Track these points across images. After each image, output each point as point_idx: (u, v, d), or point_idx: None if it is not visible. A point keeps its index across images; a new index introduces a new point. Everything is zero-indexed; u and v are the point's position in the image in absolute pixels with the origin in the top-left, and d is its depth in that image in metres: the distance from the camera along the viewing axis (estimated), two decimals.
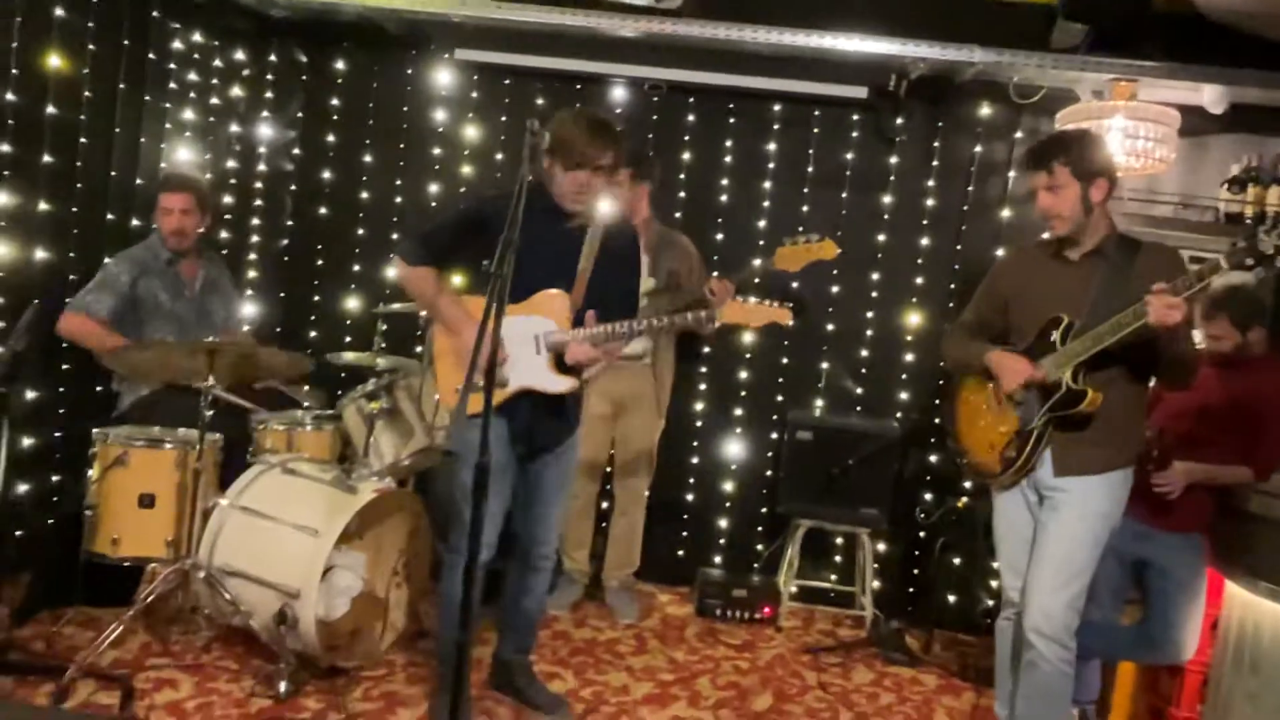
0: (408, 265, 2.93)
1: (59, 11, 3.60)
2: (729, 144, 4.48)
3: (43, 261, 3.63)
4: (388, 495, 3.29)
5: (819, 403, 4.50)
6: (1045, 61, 3.86)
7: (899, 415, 4.41)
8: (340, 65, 4.60)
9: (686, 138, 4.49)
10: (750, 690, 3.51)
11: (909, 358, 4.43)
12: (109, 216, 3.96)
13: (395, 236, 4.56)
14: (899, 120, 4.39)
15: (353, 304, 4.63)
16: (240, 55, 4.58)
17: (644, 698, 3.36)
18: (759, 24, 3.93)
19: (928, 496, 4.39)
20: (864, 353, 4.47)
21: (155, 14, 4.10)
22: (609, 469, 4.22)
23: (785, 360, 4.50)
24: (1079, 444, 2.72)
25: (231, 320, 4.02)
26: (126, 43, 3.94)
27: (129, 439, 3.27)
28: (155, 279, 3.73)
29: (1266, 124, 4.00)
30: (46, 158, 3.61)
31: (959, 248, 4.39)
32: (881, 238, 4.44)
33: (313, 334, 4.65)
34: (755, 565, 4.46)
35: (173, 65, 4.26)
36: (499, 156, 4.53)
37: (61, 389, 3.77)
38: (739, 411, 4.53)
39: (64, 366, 3.73)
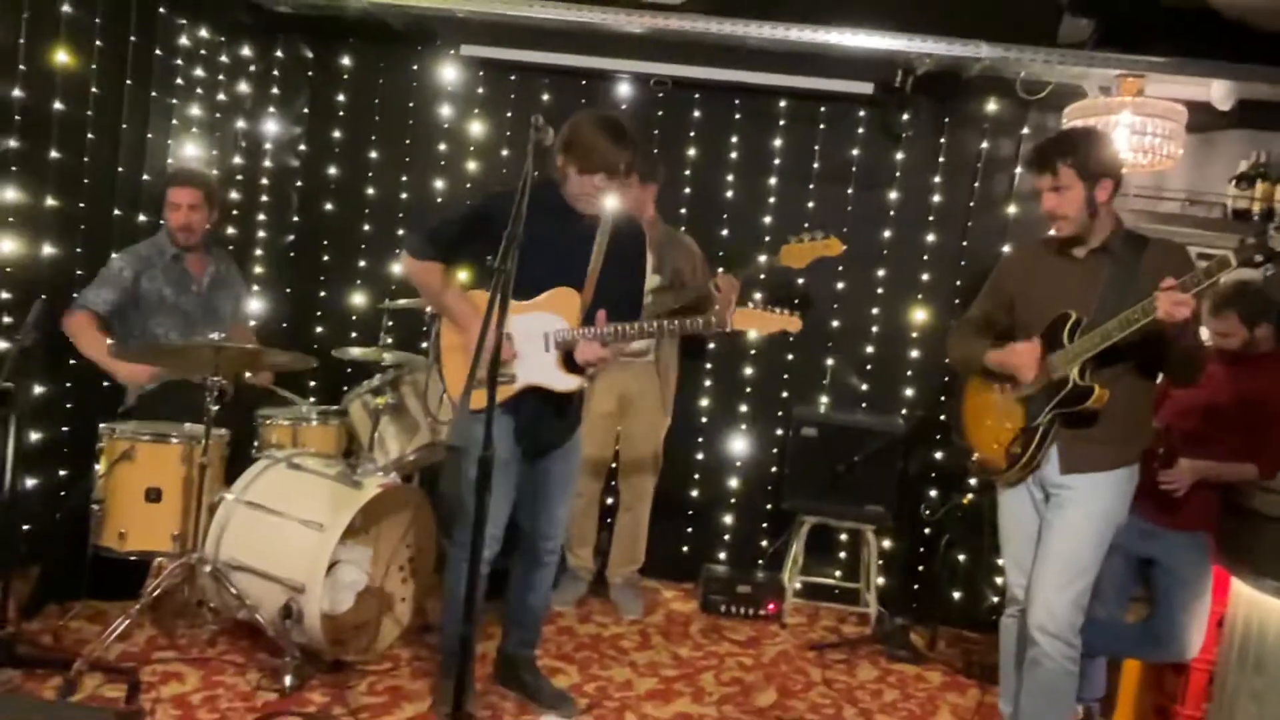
0: (414, 260, 2.92)
1: (66, 8, 3.61)
2: (734, 140, 4.47)
3: (50, 257, 3.65)
4: (393, 490, 3.29)
5: (824, 399, 4.50)
6: (1052, 57, 3.84)
7: (904, 412, 4.41)
8: (346, 61, 4.60)
9: (692, 133, 4.48)
10: (754, 686, 3.51)
11: (914, 354, 4.43)
12: (116, 212, 3.98)
13: (401, 232, 4.56)
14: (905, 116, 4.38)
15: (359, 299, 4.64)
16: (246, 51, 4.59)
17: (648, 693, 3.36)
18: (764, 19, 3.92)
19: (933, 493, 4.38)
20: (869, 349, 4.47)
21: (162, 10, 4.12)
22: (614, 465, 4.23)
23: (790, 357, 4.49)
24: (1085, 441, 2.70)
25: (239, 315, 4.03)
26: (133, 39, 3.95)
27: (135, 434, 3.29)
28: (159, 274, 3.73)
29: (1275, 120, 3.97)
30: (54, 153, 3.63)
31: (965, 244, 4.38)
32: (887, 234, 4.43)
33: (319, 329, 4.66)
34: (760, 561, 4.46)
35: (179, 61, 4.27)
36: (504, 152, 4.53)
37: (69, 384, 3.81)
38: (744, 408, 4.53)
39: (71, 362, 3.74)
